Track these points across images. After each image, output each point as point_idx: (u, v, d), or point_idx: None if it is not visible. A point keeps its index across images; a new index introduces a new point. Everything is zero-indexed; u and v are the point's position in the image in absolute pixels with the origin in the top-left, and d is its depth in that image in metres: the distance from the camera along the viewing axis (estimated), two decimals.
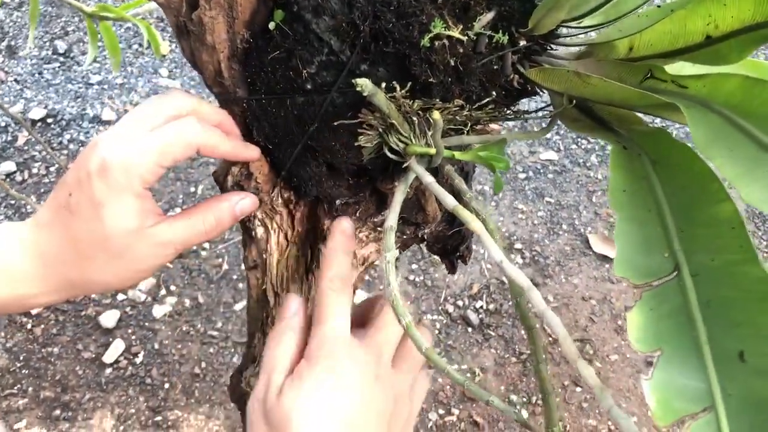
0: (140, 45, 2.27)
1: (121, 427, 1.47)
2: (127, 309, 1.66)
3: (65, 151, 1.99)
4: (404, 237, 0.52)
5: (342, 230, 0.48)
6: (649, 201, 0.37)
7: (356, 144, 0.43)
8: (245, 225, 0.49)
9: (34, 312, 1.63)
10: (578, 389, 1.56)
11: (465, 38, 0.40)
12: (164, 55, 2.25)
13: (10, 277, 0.42)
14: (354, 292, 0.50)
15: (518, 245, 1.88)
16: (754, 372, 0.30)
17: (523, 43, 0.43)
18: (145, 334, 1.63)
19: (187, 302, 1.70)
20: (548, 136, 2.20)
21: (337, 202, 0.47)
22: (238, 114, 0.45)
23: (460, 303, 1.75)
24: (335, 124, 0.42)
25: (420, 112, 0.42)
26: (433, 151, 0.42)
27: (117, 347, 1.60)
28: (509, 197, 2.00)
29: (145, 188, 0.41)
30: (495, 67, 0.43)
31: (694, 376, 0.31)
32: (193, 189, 1.94)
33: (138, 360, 1.59)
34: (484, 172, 1.94)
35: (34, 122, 2.04)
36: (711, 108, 0.36)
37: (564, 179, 2.08)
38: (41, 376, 1.54)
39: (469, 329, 1.70)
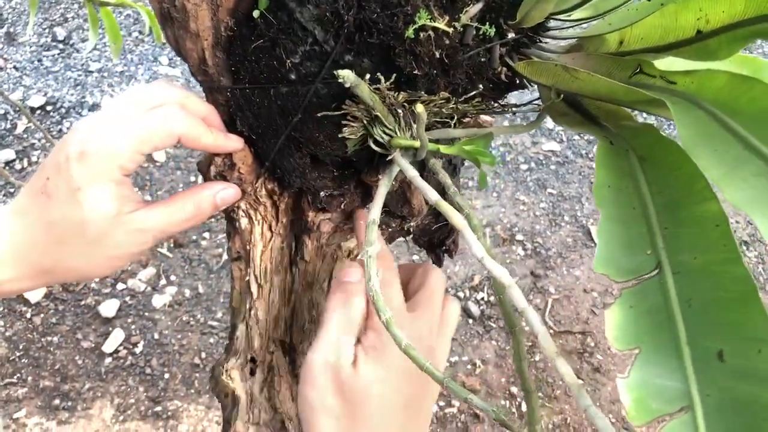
0: (140, 32, 2.26)
1: (121, 417, 1.48)
2: (127, 298, 1.67)
3: None
4: (390, 230, 0.52)
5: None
6: (634, 198, 0.37)
7: (340, 136, 0.42)
8: (229, 216, 0.49)
9: (33, 301, 1.63)
10: (579, 382, 1.56)
11: (451, 30, 0.39)
12: (164, 42, 2.24)
13: None
14: None
15: (520, 237, 1.87)
16: (733, 372, 0.30)
17: (511, 35, 0.42)
18: (145, 324, 1.63)
19: (187, 292, 1.70)
20: (550, 127, 2.18)
21: (322, 193, 0.47)
22: (223, 103, 0.45)
23: (461, 294, 1.75)
24: (319, 115, 0.42)
25: (405, 104, 0.42)
26: (417, 144, 0.41)
27: (117, 337, 1.60)
28: (511, 188, 2.00)
29: (124, 174, 0.41)
30: (482, 59, 0.42)
31: (672, 376, 0.30)
32: (193, 178, 1.94)
33: (138, 350, 1.59)
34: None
35: (33, 110, 2.04)
36: (699, 105, 0.35)
37: (566, 170, 2.07)
38: (41, 365, 1.54)
39: (470, 321, 1.70)
